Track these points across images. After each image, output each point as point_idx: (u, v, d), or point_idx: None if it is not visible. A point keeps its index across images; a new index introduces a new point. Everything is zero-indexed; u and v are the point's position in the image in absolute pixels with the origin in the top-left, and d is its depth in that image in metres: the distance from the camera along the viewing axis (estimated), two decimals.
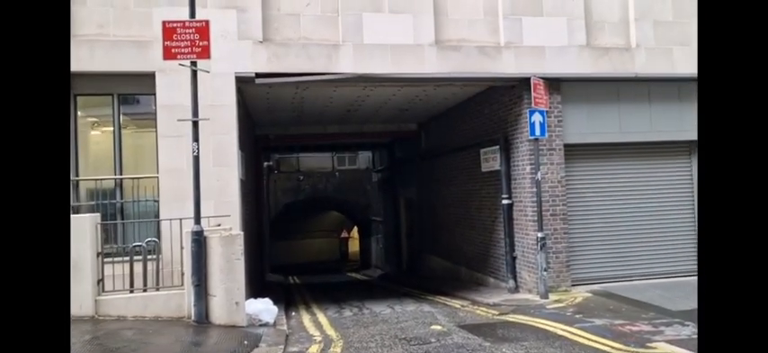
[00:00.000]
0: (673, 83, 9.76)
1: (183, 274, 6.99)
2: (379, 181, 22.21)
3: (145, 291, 7.06)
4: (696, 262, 9.91)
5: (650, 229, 9.80)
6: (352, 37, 8.30)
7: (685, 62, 9.57)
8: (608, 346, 5.95)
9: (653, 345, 5.95)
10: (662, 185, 9.91)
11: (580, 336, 6.41)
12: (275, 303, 7.81)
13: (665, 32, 9.53)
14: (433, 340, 6.51)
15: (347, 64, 8.29)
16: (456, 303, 9.52)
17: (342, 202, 27.11)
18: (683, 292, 8.69)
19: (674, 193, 9.96)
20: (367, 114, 12.99)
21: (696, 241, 9.92)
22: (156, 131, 7.71)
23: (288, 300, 11.63)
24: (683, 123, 9.84)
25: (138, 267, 7.13)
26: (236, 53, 7.89)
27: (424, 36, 8.55)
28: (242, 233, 7.00)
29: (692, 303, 7.91)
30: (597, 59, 9.25)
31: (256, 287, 11.05)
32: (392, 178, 19.25)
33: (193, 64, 6.54)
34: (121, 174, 7.87)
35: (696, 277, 10.26)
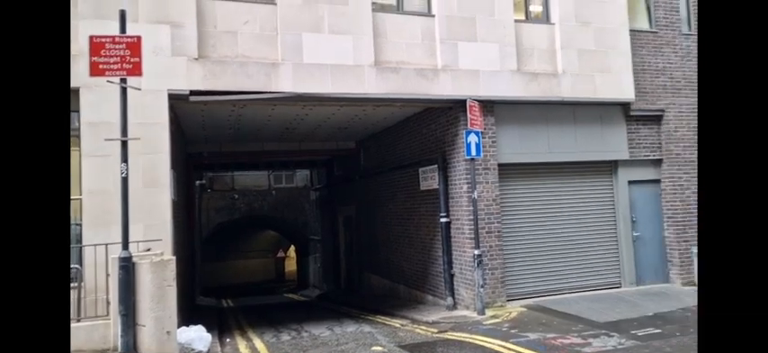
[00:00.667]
0: (595, 107, 10.42)
1: (108, 303, 6.56)
2: (317, 199, 22.01)
3: None
4: (619, 275, 10.57)
5: (578, 244, 10.34)
6: (292, 56, 8.24)
7: (606, 88, 10.26)
8: None
9: None
10: (587, 203, 10.50)
11: (515, 351, 6.62)
12: (208, 329, 7.50)
13: (588, 60, 10.17)
14: None
15: (287, 83, 8.20)
16: (396, 323, 9.55)
17: (278, 220, 26.61)
18: (608, 304, 9.20)
19: (598, 209, 10.57)
20: (306, 132, 12.89)
21: (618, 255, 10.57)
22: (80, 150, 7.24)
23: (221, 325, 11.19)
24: (604, 145, 10.51)
25: None
26: (170, 70, 7.60)
27: (364, 57, 8.63)
28: (174, 258, 6.68)
29: (615, 315, 8.40)
30: (527, 84, 9.71)
31: (186, 313, 10.55)
32: (331, 196, 19.14)
33: (123, 81, 6.23)
34: None
35: (619, 289, 10.84)
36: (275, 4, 8.29)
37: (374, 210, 14.04)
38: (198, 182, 19.39)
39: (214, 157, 14.73)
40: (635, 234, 10.63)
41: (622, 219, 10.58)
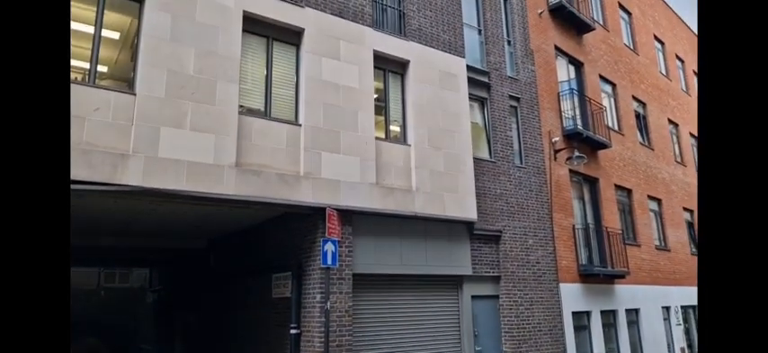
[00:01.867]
0: (444, 224, 11.26)
1: None
2: (154, 302, 19.86)
3: None
4: None
5: None
6: (146, 149, 7.73)
7: (453, 207, 11.22)
8: None
9: None
10: (435, 316, 10.95)
11: None
12: None
13: (438, 180, 11.12)
14: None
15: (136, 176, 7.59)
16: None
17: (105, 326, 23.25)
18: None
19: (445, 323, 11.06)
20: (152, 228, 11.85)
21: None
22: None
23: None
24: (452, 260, 11.27)
25: None
26: None
27: (225, 157, 8.43)
28: None
29: None
30: (384, 197, 10.22)
31: None
32: (171, 300, 17.42)
33: None
34: None
35: None
36: (135, 94, 7.85)
37: (220, 317, 13.03)
38: None
39: None
40: (477, 349, 11.25)
41: (466, 333, 11.17)
